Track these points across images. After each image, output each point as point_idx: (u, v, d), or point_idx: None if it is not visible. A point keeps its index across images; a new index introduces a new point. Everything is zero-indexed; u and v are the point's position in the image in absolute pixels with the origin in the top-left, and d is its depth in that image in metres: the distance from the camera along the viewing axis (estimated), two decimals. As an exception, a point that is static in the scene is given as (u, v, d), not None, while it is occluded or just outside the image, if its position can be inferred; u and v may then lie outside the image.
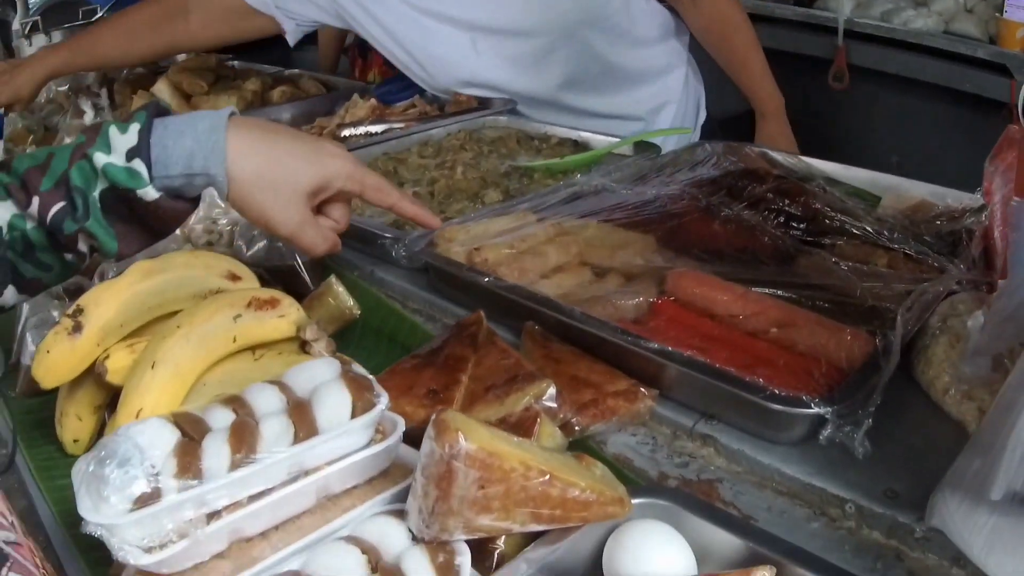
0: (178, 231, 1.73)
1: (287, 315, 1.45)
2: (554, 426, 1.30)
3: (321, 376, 1.17)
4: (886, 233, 1.75)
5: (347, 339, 1.66)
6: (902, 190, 2.03)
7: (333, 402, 1.13)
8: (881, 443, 1.26)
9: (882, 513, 1.20)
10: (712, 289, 1.58)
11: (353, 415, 1.13)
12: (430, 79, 2.99)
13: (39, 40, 4.07)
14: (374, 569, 1.03)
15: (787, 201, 1.89)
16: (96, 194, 1.27)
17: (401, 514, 1.09)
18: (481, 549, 1.09)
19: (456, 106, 2.99)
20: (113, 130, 1.27)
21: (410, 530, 1.07)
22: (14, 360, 1.59)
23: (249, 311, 1.43)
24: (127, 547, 1.01)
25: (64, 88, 3.36)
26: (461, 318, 1.58)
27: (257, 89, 3.38)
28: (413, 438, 1.10)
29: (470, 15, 2.82)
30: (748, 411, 1.33)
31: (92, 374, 1.38)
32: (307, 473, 1.11)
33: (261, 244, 1.77)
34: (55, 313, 1.57)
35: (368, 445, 1.15)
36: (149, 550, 1.02)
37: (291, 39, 3.12)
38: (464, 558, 1.04)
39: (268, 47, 3.57)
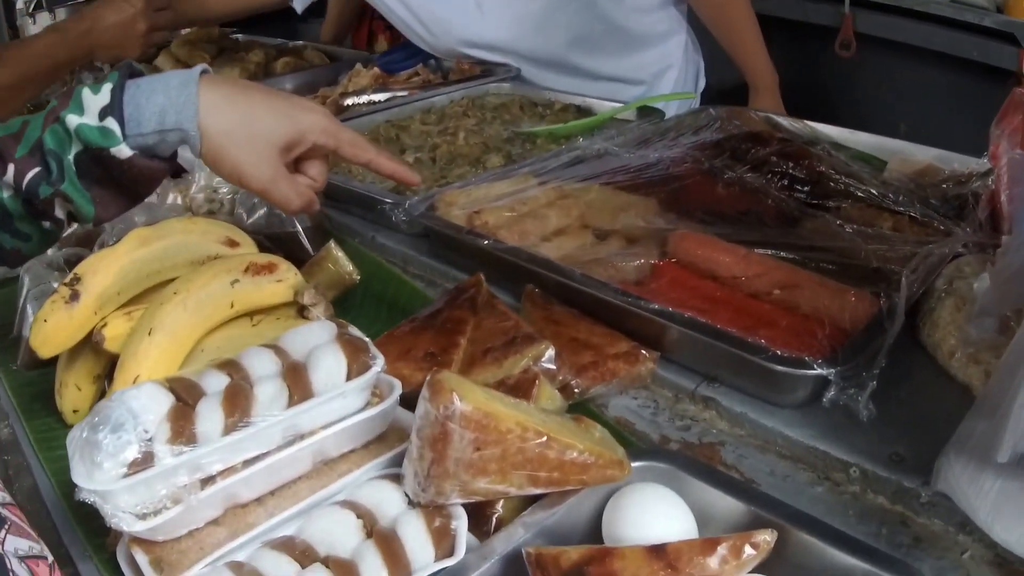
0: (179, 200, 1.71)
1: (285, 280, 1.44)
2: (553, 388, 1.28)
3: (316, 339, 1.16)
4: (891, 196, 1.73)
5: (348, 305, 1.66)
6: (908, 154, 2.01)
7: (328, 365, 1.11)
8: (886, 406, 1.25)
9: (887, 477, 1.18)
10: (714, 251, 1.56)
11: (348, 377, 1.11)
12: (433, 40, 2.97)
13: (43, 19, 4.06)
14: (369, 534, 1.03)
15: (791, 164, 1.87)
16: (71, 157, 1.25)
17: (398, 478, 1.09)
18: (479, 513, 1.08)
19: (459, 74, 2.98)
20: (86, 92, 1.25)
21: (406, 494, 1.06)
22: (15, 334, 1.57)
23: (247, 276, 1.41)
24: (120, 514, 1.00)
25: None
26: (461, 282, 1.57)
27: (260, 61, 3.36)
28: (411, 402, 1.09)
29: None
30: (751, 373, 1.32)
31: (90, 343, 1.37)
32: (303, 437, 1.10)
33: (261, 212, 1.76)
34: (56, 284, 1.56)
35: (364, 408, 1.14)
36: (143, 516, 1.01)
37: (298, 6, 3.09)
38: (461, 522, 1.04)
39: (273, 22, 3.55)
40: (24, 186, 1.24)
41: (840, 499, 1.19)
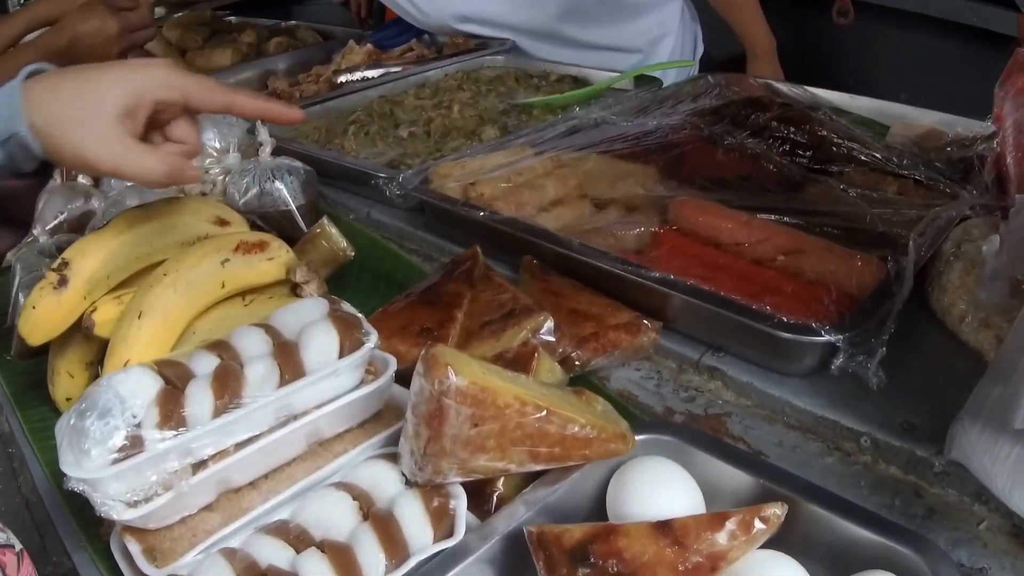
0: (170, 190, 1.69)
1: (276, 258, 1.42)
2: (553, 361, 1.26)
3: (308, 316, 1.14)
4: (895, 160, 1.70)
5: (343, 282, 1.64)
6: (910, 119, 1.98)
7: (320, 342, 1.09)
8: (896, 374, 1.21)
9: (899, 447, 1.16)
10: (716, 217, 1.54)
11: (341, 355, 1.09)
12: (424, 17, 2.95)
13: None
14: (365, 516, 1.00)
15: (792, 129, 1.84)
16: None
17: (394, 458, 1.06)
18: (478, 492, 1.06)
19: (453, 48, 2.97)
20: None
21: (403, 474, 1.04)
22: (8, 323, 1.55)
23: (237, 255, 1.39)
24: (110, 502, 0.98)
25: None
26: (457, 255, 1.54)
27: (253, 41, 3.36)
28: (407, 379, 1.05)
29: None
30: (756, 341, 1.29)
31: (81, 329, 1.35)
32: (296, 418, 1.08)
33: (254, 191, 1.74)
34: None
35: (359, 386, 1.12)
36: (133, 504, 0.99)
37: None
38: (459, 501, 1.01)
39: (266, 5, 3.52)
40: None
41: (851, 470, 1.17)
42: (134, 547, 1.01)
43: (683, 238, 1.53)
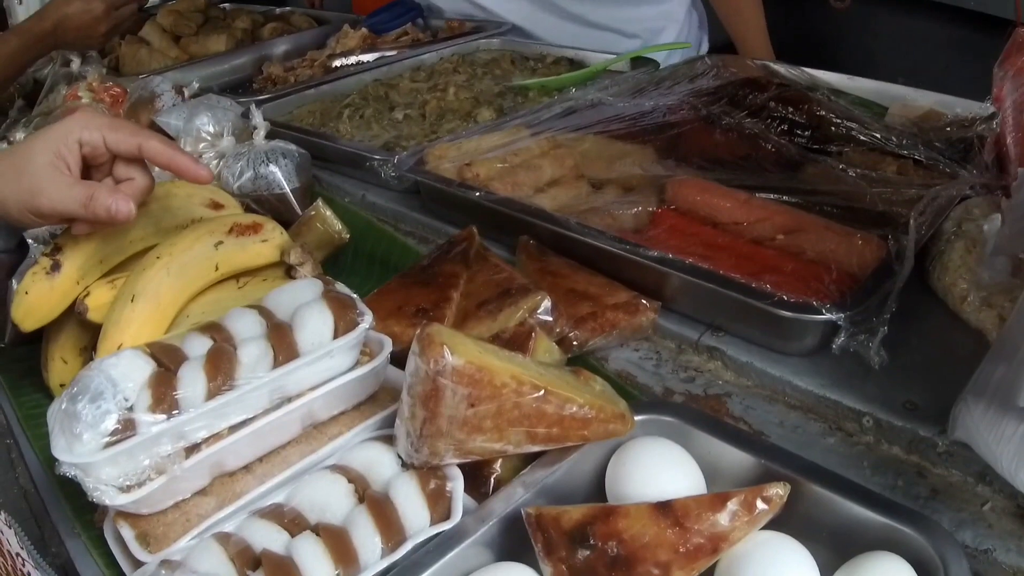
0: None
1: (270, 240, 1.40)
2: (550, 341, 1.25)
3: (302, 297, 1.12)
4: (895, 140, 1.70)
5: (339, 265, 1.63)
6: (909, 100, 1.98)
7: (314, 323, 1.08)
8: (898, 354, 1.20)
9: (902, 427, 1.15)
10: (714, 196, 1.53)
11: (335, 336, 1.08)
12: None
13: (31, 1, 4.01)
14: (361, 499, 0.99)
15: (790, 109, 1.83)
16: None
17: (390, 440, 1.05)
18: (476, 474, 1.05)
19: (449, 31, 2.96)
20: None
21: (399, 456, 1.03)
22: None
23: (231, 237, 1.38)
24: (102, 487, 0.97)
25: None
26: (453, 235, 1.53)
27: (247, 27, 3.34)
28: (402, 360, 1.04)
29: None
30: (756, 320, 1.28)
31: (74, 314, 1.34)
32: (290, 400, 1.06)
33: (248, 175, 1.73)
34: (42, 258, 1.53)
35: (353, 368, 1.11)
36: (126, 489, 0.98)
37: None
38: (456, 483, 1.00)
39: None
40: None
41: (853, 450, 1.16)
42: (127, 532, 1.00)
43: (681, 217, 1.52)
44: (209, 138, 1.86)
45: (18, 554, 0.95)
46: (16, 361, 1.48)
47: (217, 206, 1.50)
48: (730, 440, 1.04)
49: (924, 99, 1.95)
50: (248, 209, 1.55)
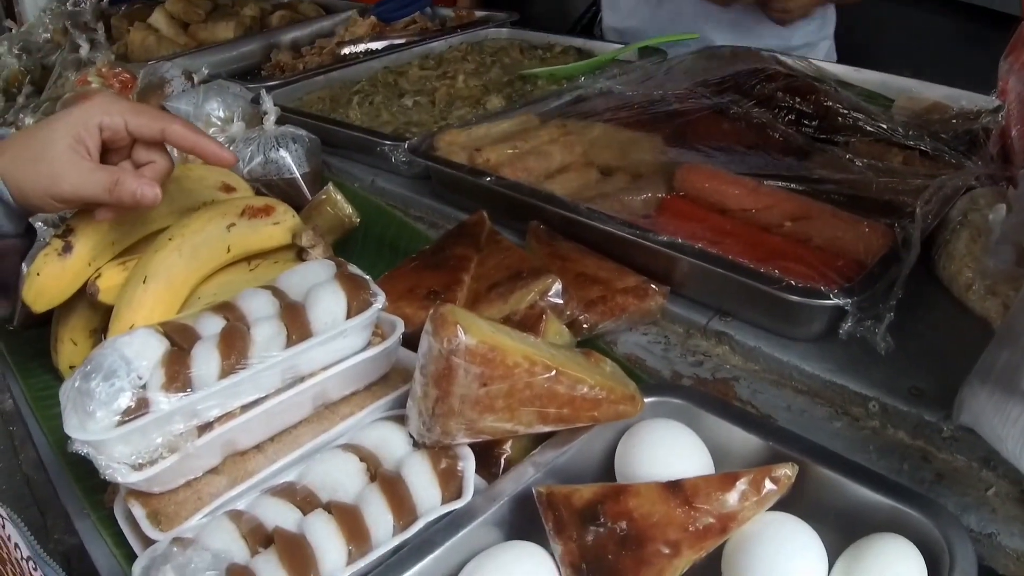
0: (175, 151, 1.69)
1: (282, 222, 1.41)
2: (561, 324, 1.25)
3: (315, 278, 1.13)
4: (901, 131, 1.70)
5: (348, 249, 1.63)
6: (915, 92, 1.99)
7: (327, 303, 1.08)
8: (904, 340, 1.21)
9: (907, 411, 1.15)
10: (723, 183, 1.53)
11: (348, 316, 1.08)
12: None
13: (41, -1, 4.01)
14: (373, 477, 1.00)
15: (798, 99, 1.84)
16: None
17: (401, 419, 1.06)
18: (486, 454, 1.05)
19: (457, 20, 2.98)
20: None
21: (411, 435, 1.03)
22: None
23: (243, 220, 1.38)
24: (115, 465, 0.97)
25: (60, 25, 3.30)
26: (464, 220, 1.54)
27: (255, 15, 3.34)
28: (413, 342, 1.05)
29: None
30: (764, 305, 1.29)
31: (85, 296, 1.34)
32: (302, 379, 1.07)
33: (258, 159, 1.74)
34: (53, 240, 1.54)
35: (366, 348, 1.11)
36: (138, 467, 0.98)
37: None
38: (468, 463, 1.01)
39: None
40: None
41: (859, 434, 1.16)
42: (138, 511, 1.00)
43: (690, 204, 1.53)
44: (219, 123, 1.86)
45: (28, 558, 0.95)
46: (26, 343, 1.49)
47: (229, 189, 1.51)
48: (738, 422, 1.05)
49: (930, 91, 1.96)
50: (258, 193, 1.55)
